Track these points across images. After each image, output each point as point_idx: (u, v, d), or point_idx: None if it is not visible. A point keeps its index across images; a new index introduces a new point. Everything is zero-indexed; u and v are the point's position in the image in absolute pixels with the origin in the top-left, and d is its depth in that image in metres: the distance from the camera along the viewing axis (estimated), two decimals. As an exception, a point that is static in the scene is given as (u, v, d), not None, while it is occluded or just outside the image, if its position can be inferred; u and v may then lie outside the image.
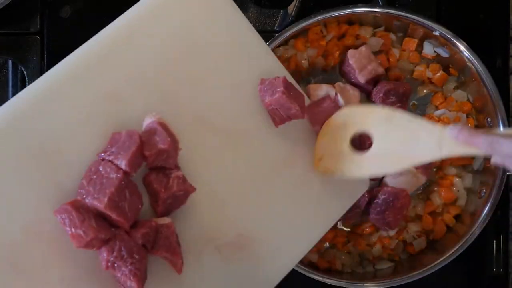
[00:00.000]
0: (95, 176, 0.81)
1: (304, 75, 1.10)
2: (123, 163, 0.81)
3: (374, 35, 1.11)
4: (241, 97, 0.93)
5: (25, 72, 1.09)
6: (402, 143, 0.93)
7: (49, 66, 1.09)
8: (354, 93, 1.08)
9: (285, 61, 1.08)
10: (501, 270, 1.13)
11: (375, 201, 1.08)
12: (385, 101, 1.07)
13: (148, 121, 0.85)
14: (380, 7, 1.08)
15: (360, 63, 1.08)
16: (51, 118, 0.83)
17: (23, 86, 1.10)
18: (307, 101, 0.97)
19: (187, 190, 0.86)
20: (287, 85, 0.92)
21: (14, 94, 1.11)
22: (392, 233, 1.10)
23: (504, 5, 1.15)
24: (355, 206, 1.07)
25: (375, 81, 1.09)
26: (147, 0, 0.89)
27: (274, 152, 0.95)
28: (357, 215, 1.07)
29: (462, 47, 1.05)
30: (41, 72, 1.09)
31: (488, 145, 0.86)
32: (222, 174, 0.91)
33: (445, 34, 1.06)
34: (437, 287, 1.13)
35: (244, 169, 0.92)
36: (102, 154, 0.83)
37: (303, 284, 1.06)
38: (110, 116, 0.85)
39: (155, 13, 0.89)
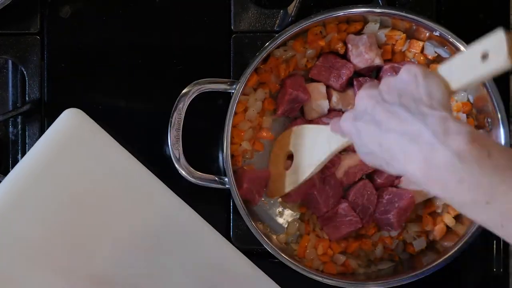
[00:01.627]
0: None
1: (305, 76, 1.10)
2: None
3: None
4: (138, 246, 0.95)
5: (25, 72, 1.09)
6: (308, 151, 1.01)
7: (49, 66, 1.10)
8: (321, 89, 1.08)
9: (284, 62, 1.08)
10: (501, 270, 1.13)
11: (379, 200, 1.08)
12: None
13: None
14: (380, 7, 1.07)
15: (357, 49, 1.08)
16: None
17: (23, 86, 1.10)
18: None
19: None
20: None
21: (14, 94, 1.11)
22: (394, 233, 1.10)
23: (504, 5, 1.15)
24: (366, 208, 1.07)
25: (375, 70, 1.10)
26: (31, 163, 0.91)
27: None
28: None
29: (462, 47, 1.05)
30: (41, 72, 1.09)
31: (336, 126, 0.89)
32: None
33: (445, 34, 1.06)
34: (437, 287, 1.13)
35: None
36: None
37: (303, 284, 1.06)
38: None
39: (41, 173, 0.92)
